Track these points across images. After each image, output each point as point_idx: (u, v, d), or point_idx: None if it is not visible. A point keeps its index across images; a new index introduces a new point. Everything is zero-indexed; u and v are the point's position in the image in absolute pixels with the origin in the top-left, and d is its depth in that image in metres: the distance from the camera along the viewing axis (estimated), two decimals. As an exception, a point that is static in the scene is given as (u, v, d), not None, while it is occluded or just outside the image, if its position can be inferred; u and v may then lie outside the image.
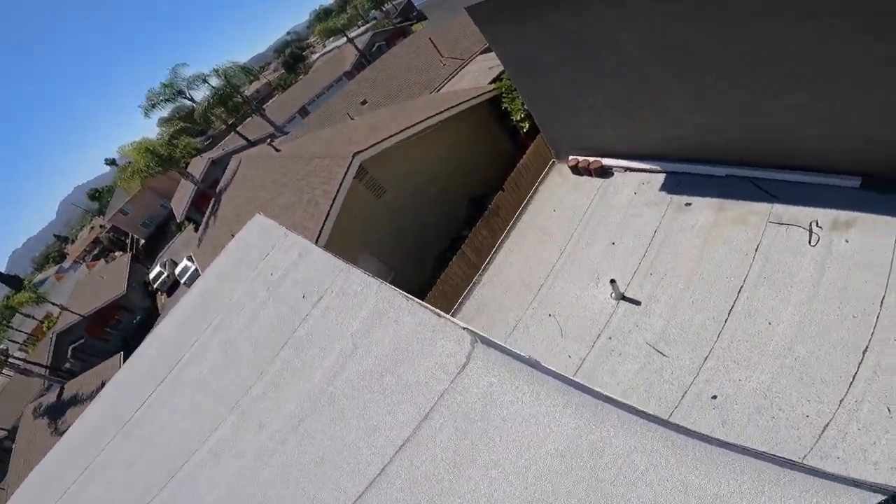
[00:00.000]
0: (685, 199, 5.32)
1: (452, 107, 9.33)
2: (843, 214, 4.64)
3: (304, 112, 28.86)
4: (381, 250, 8.62)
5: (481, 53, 13.68)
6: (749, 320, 4.15)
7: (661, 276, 4.76)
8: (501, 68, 9.13)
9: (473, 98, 9.68)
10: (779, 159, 5.09)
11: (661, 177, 5.66)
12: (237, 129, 27.55)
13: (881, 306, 3.93)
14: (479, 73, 12.01)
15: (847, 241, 4.48)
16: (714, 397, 3.93)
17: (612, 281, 4.59)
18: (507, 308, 5.30)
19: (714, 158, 5.36)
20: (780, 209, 4.85)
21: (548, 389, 1.34)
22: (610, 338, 4.54)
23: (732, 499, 0.98)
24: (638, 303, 4.65)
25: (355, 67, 29.53)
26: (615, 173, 6.08)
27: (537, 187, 6.48)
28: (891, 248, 4.24)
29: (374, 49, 32.28)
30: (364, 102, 16.63)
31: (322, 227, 8.05)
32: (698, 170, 5.46)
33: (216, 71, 20.90)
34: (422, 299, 6.31)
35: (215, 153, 26.56)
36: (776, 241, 4.62)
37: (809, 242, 4.55)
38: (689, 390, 4.02)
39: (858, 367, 3.67)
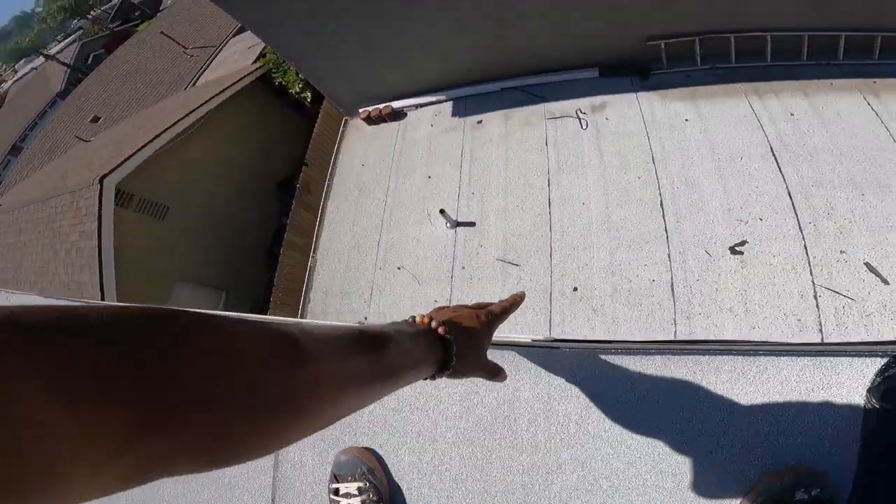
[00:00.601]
0: (476, 117, 5.63)
1: (214, 96, 8.09)
2: (596, 99, 5.42)
3: (16, 150, 22.35)
4: (200, 273, 7.26)
5: (235, 35, 12.12)
6: (566, 206, 4.61)
7: (482, 192, 4.97)
8: (263, 44, 8.23)
9: (238, 81, 8.55)
10: (536, 66, 5.69)
11: (450, 104, 5.87)
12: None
13: (654, 162, 4.74)
14: (240, 55, 10.69)
15: (607, 119, 5.26)
16: (575, 289, 4.21)
17: (442, 211, 4.60)
18: (354, 278, 4.96)
19: (486, 76, 5.73)
20: (550, 106, 5.45)
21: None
22: (463, 267, 4.59)
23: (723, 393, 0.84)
24: (473, 224, 4.79)
25: (70, 84, 23.78)
26: (408, 113, 6.08)
27: (338, 149, 6.11)
28: (640, 116, 5.13)
29: (89, 61, 26.46)
30: (96, 119, 13.48)
31: (101, 276, 6.35)
32: (477, 90, 5.79)
33: None
34: (266, 304, 5.39)
35: None
36: (558, 132, 5.19)
37: (582, 127, 5.24)
38: (553, 290, 4.27)
39: (664, 220, 4.33)
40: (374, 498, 0.98)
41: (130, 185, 6.89)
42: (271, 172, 8.37)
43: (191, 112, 7.73)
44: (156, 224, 7.05)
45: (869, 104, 4.50)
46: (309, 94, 8.34)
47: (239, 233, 7.67)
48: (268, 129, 8.70)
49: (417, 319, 0.66)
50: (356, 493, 0.97)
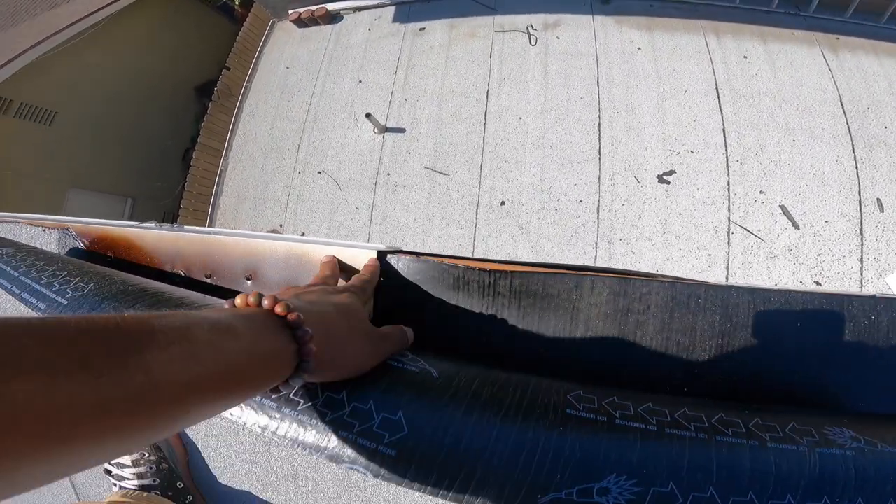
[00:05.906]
0: (419, 25, 5.14)
1: (116, 1, 7.02)
2: (551, 17, 5.07)
3: None
4: (102, 179, 6.49)
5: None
6: (503, 120, 4.32)
7: (416, 99, 4.58)
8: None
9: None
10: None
11: (392, 9, 5.32)
12: None
13: (598, 85, 4.52)
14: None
15: (558, 38, 4.94)
16: (503, 203, 4.04)
17: (368, 115, 4.19)
18: (270, 182, 4.51)
19: (435, -18, 5.21)
20: (500, 19, 5.04)
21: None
22: (389, 174, 4.25)
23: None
24: (403, 130, 4.42)
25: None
26: (344, 16, 5.47)
27: (261, 51, 5.46)
28: (592, 39, 4.85)
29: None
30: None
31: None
32: (424, -4, 5.28)
33: None
34: (177, 211, 4.95)
35: None
36: (504, 46, 4.83)
37: (530, 43, 4.90)
38: (480, 202, 4.06)
39: (599, 143, 4.17)
40: (151, 457, 0.81)
41: (10, 91, 5.98)
42: (189, 76, 7.51)
43: (86, 16, 6.71)
44: (41, 129, 6.18)
45: (825, 58, 4.44)
46: (237, -1, 7.44)
47: (150, 139, 6.86)
48: (186, 35, 7.72)
49: (238, 302, 0.41)
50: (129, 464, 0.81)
